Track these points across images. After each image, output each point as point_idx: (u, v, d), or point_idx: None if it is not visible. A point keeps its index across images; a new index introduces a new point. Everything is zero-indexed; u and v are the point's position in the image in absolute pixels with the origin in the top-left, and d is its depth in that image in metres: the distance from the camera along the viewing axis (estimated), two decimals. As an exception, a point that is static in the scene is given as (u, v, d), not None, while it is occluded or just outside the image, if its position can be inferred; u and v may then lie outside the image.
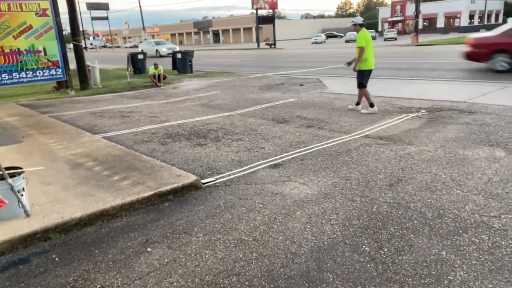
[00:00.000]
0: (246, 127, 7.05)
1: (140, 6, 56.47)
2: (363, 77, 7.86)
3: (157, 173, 4.48)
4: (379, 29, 72.08)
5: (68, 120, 8.15)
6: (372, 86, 11.46)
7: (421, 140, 5.76)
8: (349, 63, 8.19)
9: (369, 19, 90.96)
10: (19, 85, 12.48)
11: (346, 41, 54.08)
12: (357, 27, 7.80)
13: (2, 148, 5.73)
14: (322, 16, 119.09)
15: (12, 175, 3.33)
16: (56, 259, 2.98)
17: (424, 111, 7.65)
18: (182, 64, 18.57)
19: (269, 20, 53.01)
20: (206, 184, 4.38)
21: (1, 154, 5.40)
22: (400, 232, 3.15)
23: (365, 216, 3.46)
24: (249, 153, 5.47)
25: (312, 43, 55.92)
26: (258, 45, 50.97)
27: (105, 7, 68.32)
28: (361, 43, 7.62)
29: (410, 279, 2.56)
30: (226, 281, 2.63)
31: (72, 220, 3.42)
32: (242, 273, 2.71)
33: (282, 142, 5.98)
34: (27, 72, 12.14)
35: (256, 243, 3.10)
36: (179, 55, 18.84)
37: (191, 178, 4.31)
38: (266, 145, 5.85)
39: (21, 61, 11.90)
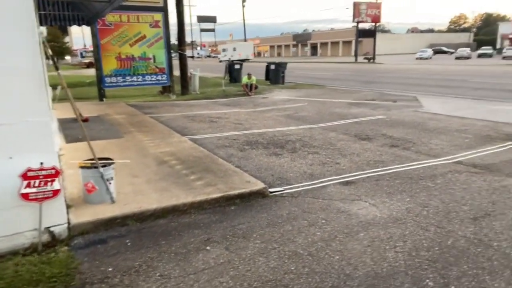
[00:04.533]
0: (325, 141, 6.95)
1: (244, 19, 59.57)
2: None
3: (229, 177, 4.69)
4: (498, 46, 64.62)
5: (164, 121, 8.96)
6: (477, 108, 10.39)
7: (524, 172, 5.03)
8: None
9: (487, 35, 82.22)
10: (131, 87, 14.15)
11: (457, 58, 49.57)
12: None
13: (106, 142, 6.56)
14: (432, 31, 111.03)
15: (104, 165, 3.81)
16: (129, 243, 3.32)
17: (536, 140, 6.66)
18: (274, 75, 19.05)
19: (370, 33, 51.30)
20: (273, 193, 4.43)
21: (104, 146, 6.19)
22: (474, 271, 2.80)
23: (437, 248, 3.15)
24: (323, 167, 5.38)
25: (417, 58, 52.48)
26: (356, 59, 49.67)
27: (212, 20, 73.74)
28: None
29: (475, 326, 2.27)
30: (273, 291, 2.64)
31: (148, 211, 3.76)
32: (290, 286, 2.69)
33: (360, 159, 5.76)
34: (138, 77, 13.72)
35: (310, 258, 3.04)
36: (272, 66, 19.36)
37: (259, 185, 4.41)
38: (342, 161, 5.69)
39: (133, 67, 13.50)
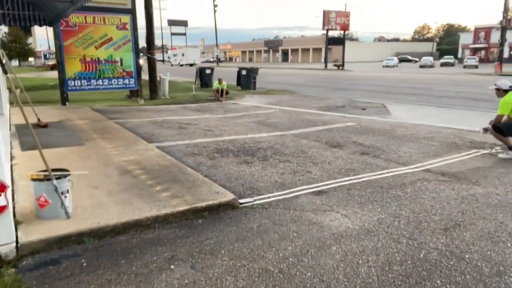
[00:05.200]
0: (296, 148, 6.86)
1: (215, 24, 59.31)
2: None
3: (197, 187, 4.47)
4: (459, 55, 67.83)
5: (130, 128, 8.60)
6: (442, 116, 10.69)
7: (490, 181, 5.12)
8: (486, 129, 6.57)
9: (449, 45, 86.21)
10: (96, 91, 13.60)
11: (421, 66, 51.57)
12: (500, 92, 6.37)
13: (66, 149, 6.16)
14: (397, 40, 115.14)
15: (58, 177, 3.51)
16: (84, 264, 3.04)
17: (499, 148, 6.84)
18: (246, 80, 18.97)
19: (339, 41, 52.51)
20: (243, 205, 4.25)
21: (63, 154, 5.81)
22: (448, 286, 2.74)
23: (410, 262, 3.08)
24: (294, 176, 5.26)
25: (383, 66, 54.16)
26: (326, 66, 50.59)
27: (184, 24, 73.11)
28: (504, 110, 6.18)
29: None
30: (241, 314, 2.46)
31: (107, 227, 3.49)
32: (260, 308, 2.52)
33: (331, 167, 5.69)
34: (104, 80, 13.20)
35: (281, 275, 2.88)
36: (244, 72, 19.27)
37: (228, 196, 4.23)
38: (313, 169, 5.60)
39: (99, 70, 12.99)
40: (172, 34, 78.32)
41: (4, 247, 3.01)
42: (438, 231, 3.63)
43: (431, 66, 50.92)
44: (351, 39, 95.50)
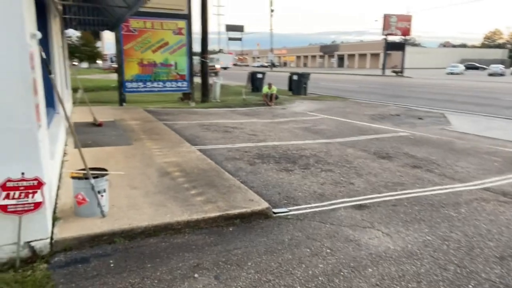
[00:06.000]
0: (341, 157, 6.54)
1: (271, 29, 59.83)
2: None
3: (231, 193, 4.38)
4: (535, 62, 61.82)
5: (177, 129, 8.79)
6: (508, 129, 9.73)
7: (563, 205, 4.47)
8: None
9: (522, 51, 79.08)
10: (152, 93, 14.17)
11: (490, 74, 47.73)
12: None
13: (114, 148, 6.41)
14: (464, 46, 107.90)
15: (96, 176, 3.60)
16: (112, 265, 3.06)
17: None
18: (297, 85, 18.73)
19: (399, 46, 50.17)
20: (277, 214, 4.09)
21: (111, 153, 6.04)
22: (500, 328, 2.37)
23: (456, 293, 2.73)
24: (335, 187, 4.99)
25: (447, 73, 50.87)
26: (384, 72, 48.65)
27: (240, 29, 74.57)
28: None
29: None
30: (259, 335, 2.30)
31: (138, 228, 3.51)
32: (279, 330, 2.34)
33: (377, 180, 5.33)
34: (159, 83, 13.73)
35: (307, 296, 2.69)
36: (295, 77, 19.07)
37: (262, 205, 4.09)
38: (357, 181, 5.28)
39: (155, 73, 13.52)
40: (229, 39, 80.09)
41: (39, 242, 3.12)
42: (493, 260, 3.20)
43: (501, 75, 46.90)
44: (413, 44, 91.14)
